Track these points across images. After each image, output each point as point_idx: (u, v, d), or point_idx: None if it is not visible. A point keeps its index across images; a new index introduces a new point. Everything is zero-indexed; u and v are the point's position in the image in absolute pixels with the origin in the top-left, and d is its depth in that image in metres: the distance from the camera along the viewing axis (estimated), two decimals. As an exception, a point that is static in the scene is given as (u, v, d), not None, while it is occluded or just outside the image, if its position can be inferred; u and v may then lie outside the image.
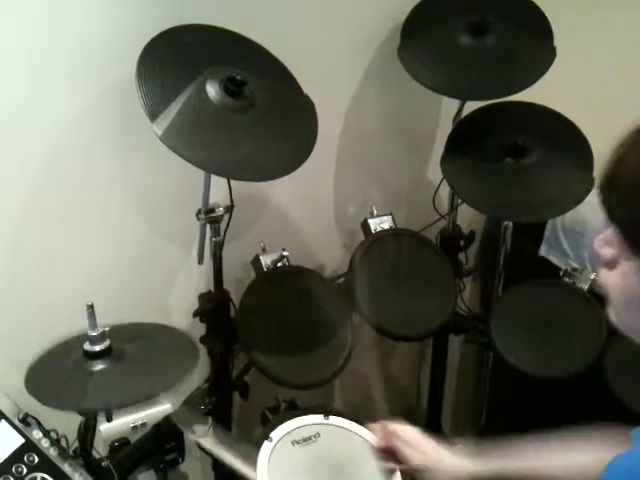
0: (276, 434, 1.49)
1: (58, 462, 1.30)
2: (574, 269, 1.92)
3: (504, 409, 2.30)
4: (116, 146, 1.66)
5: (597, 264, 0.82)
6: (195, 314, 1.73)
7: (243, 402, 1.88)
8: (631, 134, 0.77)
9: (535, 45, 1.80)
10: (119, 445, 1.64)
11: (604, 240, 0.79)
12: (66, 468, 1.31)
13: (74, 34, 1.52)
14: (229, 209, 1.67)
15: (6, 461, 1.27)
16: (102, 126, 1.62)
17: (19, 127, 1.52)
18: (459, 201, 2.01)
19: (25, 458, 1.28)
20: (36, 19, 1.47)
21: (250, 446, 1.39)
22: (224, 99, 1.45)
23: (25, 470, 1.27)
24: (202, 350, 1.72)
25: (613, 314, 0.82)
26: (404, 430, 1.22)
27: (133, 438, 1.67)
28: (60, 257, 1.65)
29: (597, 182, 0.79)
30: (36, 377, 1.33)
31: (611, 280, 0.79)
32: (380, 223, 1.92)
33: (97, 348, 1.36)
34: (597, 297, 1.80)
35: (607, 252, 0.79)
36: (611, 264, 0.79)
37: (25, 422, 1.32)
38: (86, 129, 1.60)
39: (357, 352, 1.75)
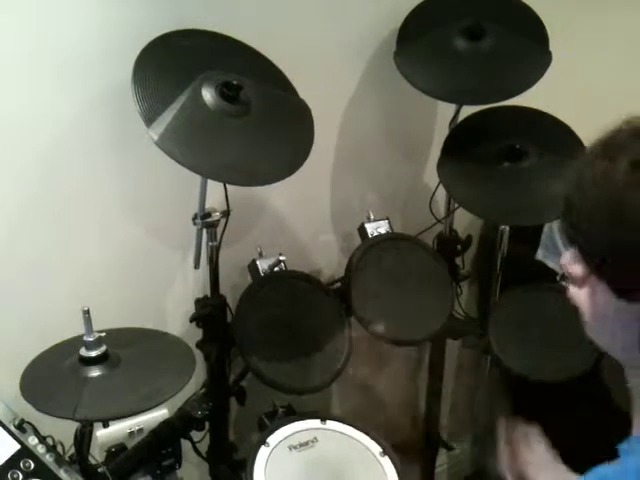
0: (273, 439, 1.49)
1: (54, 468, 1.29)
2: (571, 273, 1.92)
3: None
4: (112, 149, 1.65)
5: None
6: (191, 319, 1.73)
7: (240, 407, 1.87)
8: (587, 153, 0.77)
9: (531, 49, 1.80)
10: (116, 451, 1.63)
11: (572, 258, 0.79)
12: (62, 474, 1.30)
13: (71, 35, 1.51)
14: (225, 214, 1.67)
15: (2, 467, 1.26)
16: (98, 129, 1.61)
17: (13, 129, 1.51)
18: (455, 205, 2.01)
19: (21, 464, 1.27)
20: (32, 20, 1.46)
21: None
22: (220, 104, 1.45)
23: (21, 476, 1.26)
24: (198, 355, 1.72)
25: (587, 330, 0.83)
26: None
27: (130, 444, 1.67)
28: (55, 261, 1.65)
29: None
30: (31, 382, 1.32)
31: (581, 298, 0.80)
32: (377, 227, 1.92)
33: (93, 354, 1.35)
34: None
35: (575, 270, 0.79)
36: (579, 282, 0.79)
37: (21, 428, 1.31)
38: (82, 132, 1.59)
39: (354, 357, 1.74)
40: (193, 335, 1.73)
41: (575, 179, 0.76)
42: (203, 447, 1.84)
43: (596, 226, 0.74)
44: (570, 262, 0.80)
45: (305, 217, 2.01)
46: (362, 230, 1.92)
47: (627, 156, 0.72)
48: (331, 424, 1.56)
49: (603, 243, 0.73)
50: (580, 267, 0.78)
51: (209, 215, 1.64)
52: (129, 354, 1.40)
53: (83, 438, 1.39)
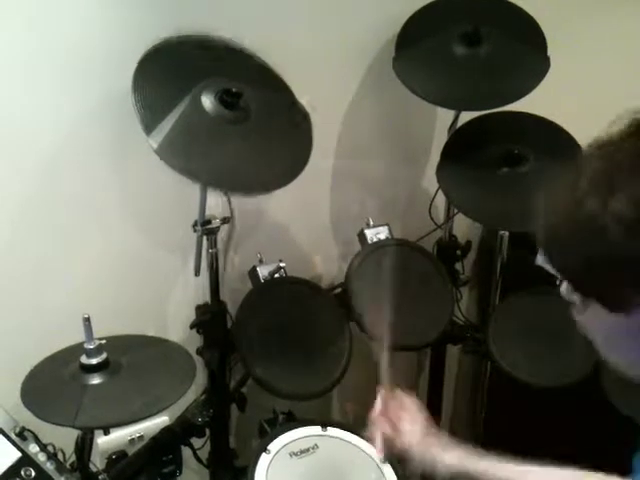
0: (274, 446, 1.49)
1: (55, 476, 1.29)
2: (571, 278, 1.92)
3: (502, 418, 2.30)
4: (113, 156, 1.65)
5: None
6: (192, 326, 1.73)
7: (240, 414, 1.87)
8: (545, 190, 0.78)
9: (529, 55, 1.81)
10: (116, 458, 1.63)
11: (567, 287, 0.80)
12: (63, 482, 1.30)
13: (71, 40, 1.51)
14: (226, 221, 1.67)
15: (3, 476, 1.25)
16: (98, 135, 1.61)
17: (13, 135, 1.52)
18: (455, 211, 2.01)
19: (22, 472, 1.27)
20: (33, 24, 1.47)
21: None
22: (220, 111, 1.45)
23: (22, 484, 1.26)
24: (199, 362, 1.72)
25: (604, 357, 0.82)
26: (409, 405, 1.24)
27: (130, 451, 1.67)
28: (56, 268, 1.65)
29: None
30: (32, 390, 1.32)
31: (586, 323, 0.81)
32: (377, 233, 1.92)
33: (94, 361, 1.35)
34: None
35: (575, 298, 0.80)
36: (581, 309, 0.80)
37: (22, 436, 1.31)
38: (82, 138, 1.60)
39: (355, 363, 1.74)
40: (193, 341, 1.73)
41: (542, 211, 0.78)
42: (204, 454, 1.83)
43: (570, 250, 0.75)
44: (567, 292, 0.80)
45: (305, 223, 2.01)
46: (362, 236, 1.92)
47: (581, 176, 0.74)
48: (332, 430, 1.56)
49: (579, 263, 0.74)
50: (576, 294, 0.79)
51: (209, 222, 1.64)
52: (130, 361, 1.40)
53: (84, 445, 1.39)
